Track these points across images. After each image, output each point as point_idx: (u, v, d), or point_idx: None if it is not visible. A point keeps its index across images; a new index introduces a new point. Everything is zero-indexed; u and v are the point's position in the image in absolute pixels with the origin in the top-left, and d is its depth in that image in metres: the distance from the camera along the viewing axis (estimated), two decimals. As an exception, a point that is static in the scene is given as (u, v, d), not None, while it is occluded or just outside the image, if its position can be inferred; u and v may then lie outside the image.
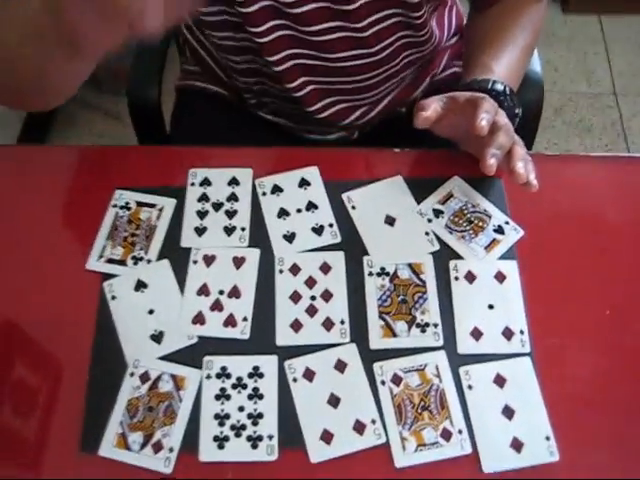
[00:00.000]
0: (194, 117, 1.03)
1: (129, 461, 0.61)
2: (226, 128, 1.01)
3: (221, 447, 0.62)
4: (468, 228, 0.73)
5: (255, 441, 0.62)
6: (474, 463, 0.61)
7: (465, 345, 0.66)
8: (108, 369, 0.65)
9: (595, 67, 2.05)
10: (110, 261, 0.71)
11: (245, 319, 0.68)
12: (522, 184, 0.67)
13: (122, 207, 0.75)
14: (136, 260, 0.71)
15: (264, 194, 0.76)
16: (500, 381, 0.64)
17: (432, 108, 0.69)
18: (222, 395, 0.64)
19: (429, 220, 0.73)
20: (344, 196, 0.75)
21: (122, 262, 0.71)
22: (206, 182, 0.76)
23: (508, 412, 0.63)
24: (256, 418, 0.63)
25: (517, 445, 0.62)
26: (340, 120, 0.91)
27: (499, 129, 0.67)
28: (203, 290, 0.69)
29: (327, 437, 0.62)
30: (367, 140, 0.99)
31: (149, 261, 0.71)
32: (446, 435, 0.62)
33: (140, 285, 0.70)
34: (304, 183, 0.76)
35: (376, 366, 0.65)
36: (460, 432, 0.62)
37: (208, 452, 0.61)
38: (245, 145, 0.96)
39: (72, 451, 0.61)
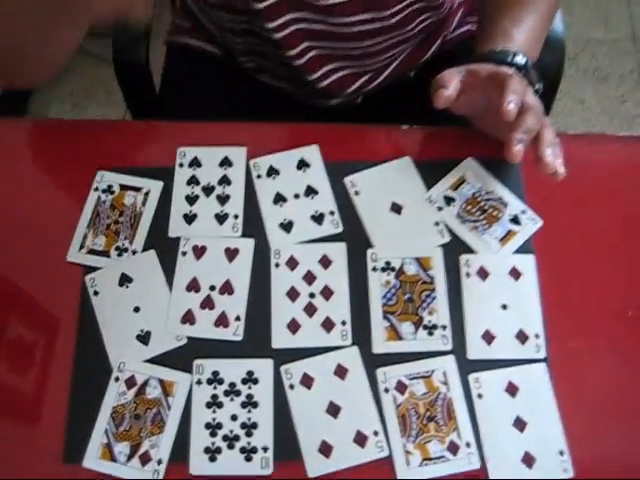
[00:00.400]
0: (185, 78, 0.96)
1: (115, 473, 0.58)
2: (220, 91, 0.93)
3: (213, 459, 0.58)
4: (481, 218, 0.67)
5: (249, 453, 0.58)
6: (482, 479, 0.57)
7: (475, 349, 0.61)
8: (92, 373, 0.61)
9: (614, 11, 1.93)
10: (92, 252, 0.66)
11: (238, 318, 0.63)
12: (550, 173, 0.60)
13: (104, 191, 0.68)
14: (120, 251, 0.66)
15: (259, 177, 0.69)
16: (512, 390, 0.60)
17: (453, 85, 0.62)
18: (214, 403, 0.60)
19: (439, 208, 0.67)
20: (347, 180, 0.69)
21: (105, 253, 0.66)
22: (196, 162, 0.70)
23: (520, 424, 0.59)
24: (250, 428, 0.59)
25: (528, 460, 0.58)
26: (343, 89, 0.84)
27: (527, 111, 0.60)
28: (193, 285, 0.64)
29: (326, 449, 0.58)
30: (372, 105, 0.92)
31: (134, 252, 0.66)
32: (453, 448, 0.58)
33: (125, 279, 0.64)
34: (303, 165, 0.70)
35: (379, 372, 0.60)
36: (468, 445, 0.58)
37: (199, 464, 0.58)
38: (239, 110, 0.90)
39: (55, 462, 0.58)
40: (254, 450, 0.58)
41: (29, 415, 0.60)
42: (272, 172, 0.69)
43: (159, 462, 0.58)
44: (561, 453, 0.58)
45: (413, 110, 0.72)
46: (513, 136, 0.60)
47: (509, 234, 0.66)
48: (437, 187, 0.68)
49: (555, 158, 0.60)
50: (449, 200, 0.68)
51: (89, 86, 1.78)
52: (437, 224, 0.67)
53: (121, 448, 0.58)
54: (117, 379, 0.60)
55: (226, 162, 0.70)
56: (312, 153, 0.70)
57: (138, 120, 0.91)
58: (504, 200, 0.67)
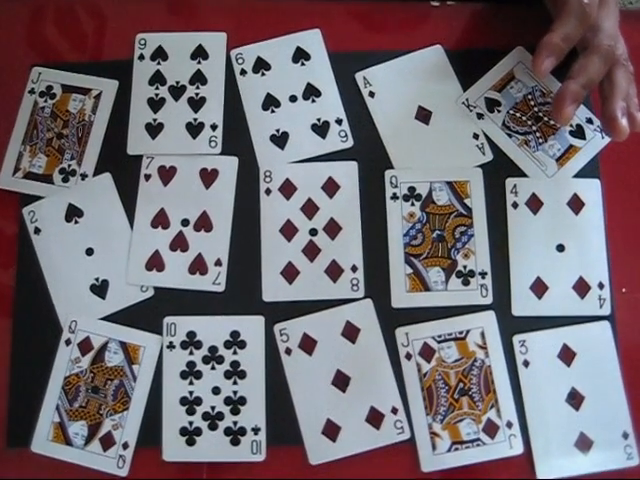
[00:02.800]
0: None
1: (71, 459, 0.47)
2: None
3: (191, 443, 0.47)
4: (535, 128, 0.51)
5: (236, 435, 0.47)
6: (526, 467, 0.47)
7: (523, 304, 0.48)
8: (36, 334, 0.49)
9: None
10: (30, 176, 0.51)
11: (219, 263, 0.49)
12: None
13: (43, 94, 0.53)
14: (66, 175, 0.51)
15: (243, 72, 0.53)
16: (568, 355, 0.48)
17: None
18: (190, 372, 0.48)
19: (479, 115, 0.52)
20: (358, 76, 0.53)
21: (47, 177, 0.51)
22: (160, 54, 0.53)
23: (575, 398, 0.47)
24: (236, 404, 0.47)
25: (584, 444, 0.47)
26: None
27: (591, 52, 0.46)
28: (160, 220, 0.50)
29: (332, 431, 0.47)
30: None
31: (84, 176, 0.51)
32: (491, 429, 0.47)
33: (73, 212, 0.50)
34: (301, 55, 0.53)
35: (400, 333, 0.48)
36: (509, 425, 0.47)
37: (174, 449, 0.47)
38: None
39: (-5, 446, 0.47)
40: (242, 431, 0.47)
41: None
42: (261, 66, 0.53)
43: (125, 446, 0.47)
44: (625, 436, 0.47)
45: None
46: (614, 106, 0.45)
47: (570, 151, 0.51)
48: (477, 86, 0.52)
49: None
50: (492, 104, 0.52)
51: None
52: (476, 137, 0.51)
53: (77, 429, 0.47)
54: (68, 342, 0.48)
55: (200, 53, 0.53)
56: (313, 39, 0.54)
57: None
58: (565, 104, 0.52)
